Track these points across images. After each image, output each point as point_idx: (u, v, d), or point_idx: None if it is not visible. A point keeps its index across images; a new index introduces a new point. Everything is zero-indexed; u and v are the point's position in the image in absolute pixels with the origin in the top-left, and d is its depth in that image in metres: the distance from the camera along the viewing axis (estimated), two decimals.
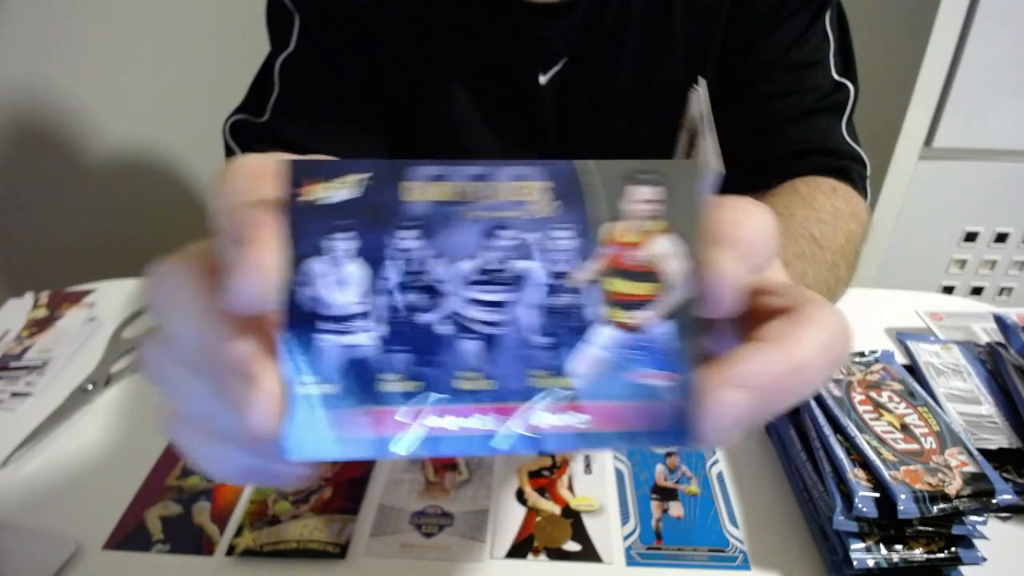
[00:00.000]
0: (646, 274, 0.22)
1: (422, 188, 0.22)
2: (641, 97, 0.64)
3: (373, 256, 0.22)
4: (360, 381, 0.22)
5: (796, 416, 0.45)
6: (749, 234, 0.23)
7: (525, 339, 0.22)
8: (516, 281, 0.22)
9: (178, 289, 0.23)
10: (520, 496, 0.45)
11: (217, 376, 0.22)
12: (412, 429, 0.22)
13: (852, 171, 0.61)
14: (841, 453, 0.39)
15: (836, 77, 0.63)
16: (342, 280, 0.22)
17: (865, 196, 0.62)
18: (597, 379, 0.22)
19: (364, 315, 0.22)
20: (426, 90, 0.65)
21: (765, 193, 0.60)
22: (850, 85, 0.64)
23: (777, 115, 0.62)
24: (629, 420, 0.22)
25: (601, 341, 0.22)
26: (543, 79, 0.63)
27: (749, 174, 0.59)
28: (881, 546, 0.37)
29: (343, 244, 0.22)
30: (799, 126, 0.62)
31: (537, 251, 0.22)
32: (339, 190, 0.21)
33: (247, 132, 0.65)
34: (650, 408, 0.22)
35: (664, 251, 0.22)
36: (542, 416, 0.22)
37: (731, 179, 0.62)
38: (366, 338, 0.22)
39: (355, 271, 0.22)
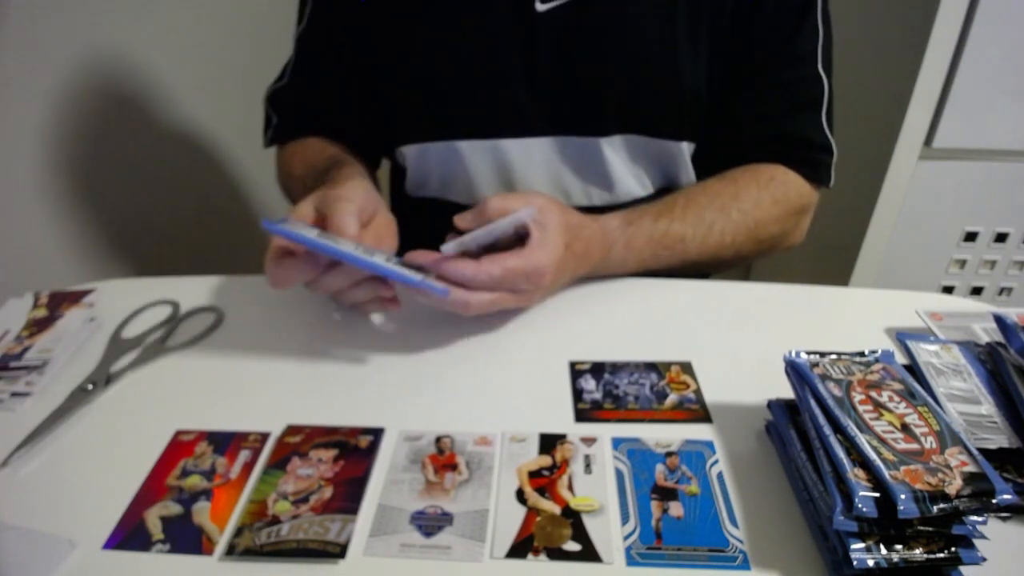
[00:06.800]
0: None
1: None
2: (647, 30, 0.68)
3: None
4: None
5: (796, 416, 0.45)
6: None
7: None
8: None
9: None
10: (520, 496, 0.45)
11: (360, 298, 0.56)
12: None
13: (818, 162, 0.72)
14: (841, 453, 0.39)
15: (820, 71, 0.71)
16: None
17: (827, 180, 0.74)
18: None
19: None
20: (423, 18, 0.70)
21: (727, 168, 0.72)
22: (826, 81, 0.72)
23: (767, 105, 0.71)
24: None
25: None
26: (541, 7, 0.67)
27: (730, 148, 0.72)
28: (881, 546, 0.37)
29: None
30: (786, 118, 0.72)
31: None
32: None
33: (275, 98, 0.79)
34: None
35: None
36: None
37: (713, 150, 0.74)
38: None
39: None
